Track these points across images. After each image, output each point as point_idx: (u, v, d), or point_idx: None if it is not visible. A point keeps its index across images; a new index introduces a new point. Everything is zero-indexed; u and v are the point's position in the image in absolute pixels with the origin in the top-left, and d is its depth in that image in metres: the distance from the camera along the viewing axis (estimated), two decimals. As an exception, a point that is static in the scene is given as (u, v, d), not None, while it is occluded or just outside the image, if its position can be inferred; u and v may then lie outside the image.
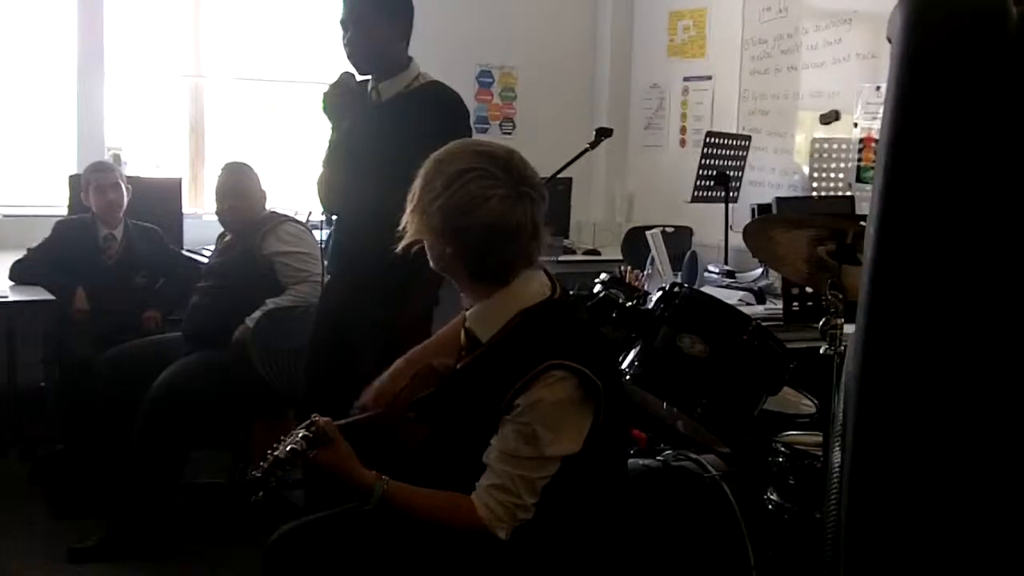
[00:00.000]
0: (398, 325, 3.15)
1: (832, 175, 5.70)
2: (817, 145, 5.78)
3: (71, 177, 5.35)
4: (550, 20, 7.02)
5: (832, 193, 5.64)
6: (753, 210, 5.02)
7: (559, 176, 4.17)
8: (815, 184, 5.79)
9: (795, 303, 4.03)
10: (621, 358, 2.99)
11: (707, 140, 5.60)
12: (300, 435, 2.20)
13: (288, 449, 2.17)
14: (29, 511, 4.33)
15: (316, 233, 4.51)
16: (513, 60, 6.95)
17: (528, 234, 2.18)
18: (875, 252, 1.41)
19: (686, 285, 3.29)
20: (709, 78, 6.57)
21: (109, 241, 4.78)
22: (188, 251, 5.41)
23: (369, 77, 3.37)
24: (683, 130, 6.77)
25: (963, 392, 1.37)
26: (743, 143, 5.79)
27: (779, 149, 6.06)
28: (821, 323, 2.88)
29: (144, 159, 6.14)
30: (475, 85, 6.81)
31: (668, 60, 6.84)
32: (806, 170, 5.86)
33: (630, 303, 3.04)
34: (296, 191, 5.85)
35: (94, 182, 4.75)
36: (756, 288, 4.54)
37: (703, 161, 5.53)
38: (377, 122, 3.31)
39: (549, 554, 2.19)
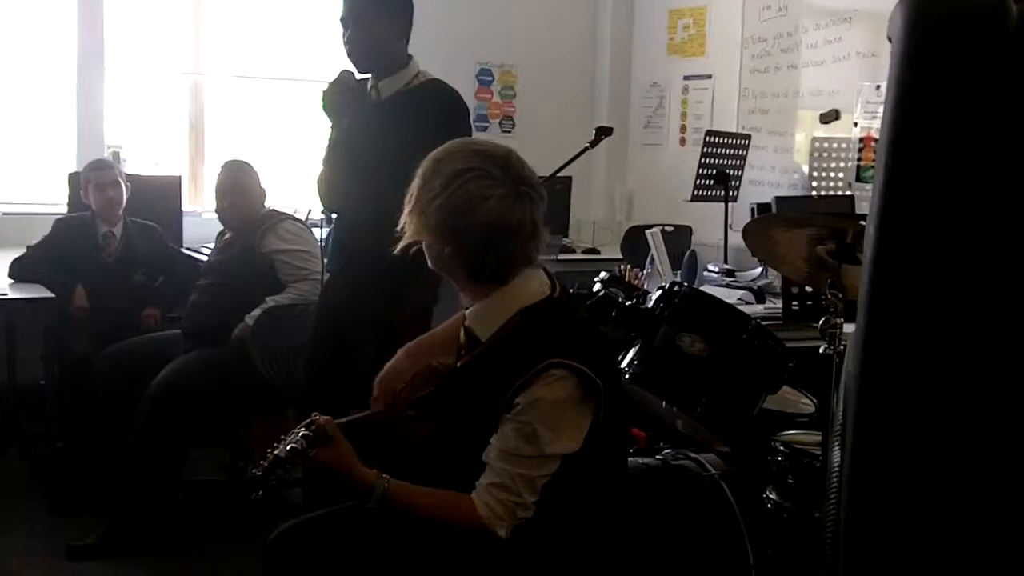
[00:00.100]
0: (398, 323, 3.15)
1: (832, 174, 5.70)
2: (817, 144, 5.78)
3: (71, 175, 5.34)
4: (550, 18, 7.02)
5: (832, 192, 5.64)
6: (753, 209, 5.02)
7: (559, 175, 4.17)
8: (815, 183, 5.78)
9: (795, 302, 4.03)
10: (621, 357, 2.99)
11: (707, 139, 5.60)
12: (300, 434, 2.20)
13: (288, 448, 2.17)
14: (29, 509, 4.33)
15: (316, 231, 4.51)
16: (513, 58, 6.95)
17: (527, 233, 2.18)
18: (875, 251, 1.41)
19: (686, 284, 3.29)
20: (709, 77, 6.56)
21: (108, 239, 4.78)
22: (187, 249, 5.41)
23: (369, 75, 3.37)
24: (683, 129, 6.77)
25: (963, 391, 1.37)
26: (743, 142, 5.79)
27: (779, 148, 6.06)
28: (820, 322, 2.89)
29: (144, 157, 6.13)
30: (475, 83, 6.80)
31: (668, 59, 6.84)
32: (806, 169, 5.86)
33: (630, 302, 3.04)
34: (296, 189, 5.84)
35: (94, 180, 4.75)
36: (756, 287, 4.54)
37: (703, 160, 5.52)
38: (377, 120, 3.31)
39: (549, 553, 2.19)
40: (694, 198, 5.57)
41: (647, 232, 4.26)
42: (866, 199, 4.91)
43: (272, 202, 4.56)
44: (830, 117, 5.71)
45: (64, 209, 5.28)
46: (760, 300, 4.43)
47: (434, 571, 2.21)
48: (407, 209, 2.21)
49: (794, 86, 5.94)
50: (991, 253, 1.35)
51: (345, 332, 3.36)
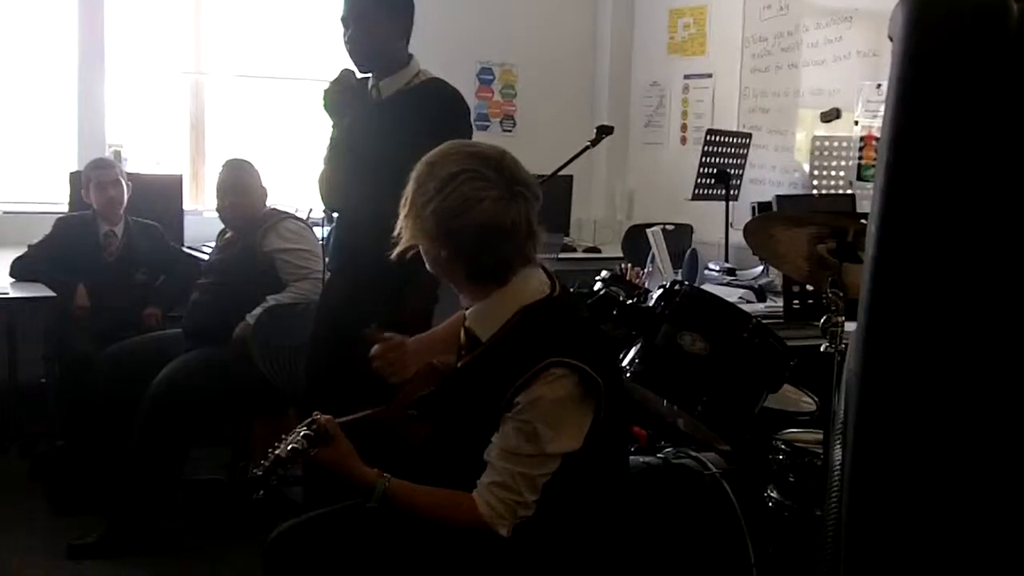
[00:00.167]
0: (398, 322, 3.15)
1: (833, 173, 5.70)
2: (818, 143, 5.78)
3: (72, 174, 5.35)
4: (551, 18, 7.02)
5: (833, 191, 5.64)
6: (753, 208, 5.01)
7: (560, 173, 4.16)
8: (816, 182, 5.78)
9: (795, 301, 4.03)
10: (622, 355, 2.99)
11: (707, 138, 5.60)
12: (302, 433, 2.20)
13: (290, 448, 2.17)
14: (29, 507, 4.33)
15: (317, 230, 4.51)
16: (514, 57, 6.95)
17: (523, 233, 2.18)
18: (876, 250, 1.41)
19: (687, 283, 3.29)
20: (710, 76, 6.56)
21: (110, 238, 4.79)
22: (188, 248, 5.41)
23: (370, 74, 3.37)
24: (684, 128, 6.77)
25: (964, 390, 1.37)
26: (744, 141, 5.79)
27: (780, 147, 6.06)
28: (822, 321, 2.88)
29: (145, 156, 6.13)
30: (476, 82, 6.80)
31: (668, 58, 6.84)
32: (807, 168, 5.86)
33: (631, 301, 3.04)
34: (297, 188, 5.84)
35: (95, 179, 4.75)
36: (756, 286, 4.54)
37: (703, 159, 5.52)
38: (378, 119, 3.31)
39: (550, 551, 2.19)
40: (695, 197, 5.57)
41: (648, 231, 4.26)
42: (867, 198, 4.91)
43: (273, 201, 4.56)
44: (831, 116, 5.71)
45: (65, 208, 5.28)
46: (761, 299, 4.43)
47: (435, 570, 2.22)
48: (402, 213, 2.22)
49: (795, 85, 5.94)
50: (992, 251, 1.35)
51: (346, 331, 3.36)
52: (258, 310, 4.16)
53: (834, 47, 5.66)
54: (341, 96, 3.32)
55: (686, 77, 6.73)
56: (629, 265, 3.98)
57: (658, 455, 3.08)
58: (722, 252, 5.44)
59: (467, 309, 2.32)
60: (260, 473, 2.17)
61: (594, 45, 7.19)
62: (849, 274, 2.87)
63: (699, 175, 5.53)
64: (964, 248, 1.36)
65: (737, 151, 5.71)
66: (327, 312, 3.51)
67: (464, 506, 2.14)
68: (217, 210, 4.44)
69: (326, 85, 3.35)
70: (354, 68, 3.35)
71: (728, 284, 4.61)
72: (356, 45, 3.29)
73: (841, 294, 2.87)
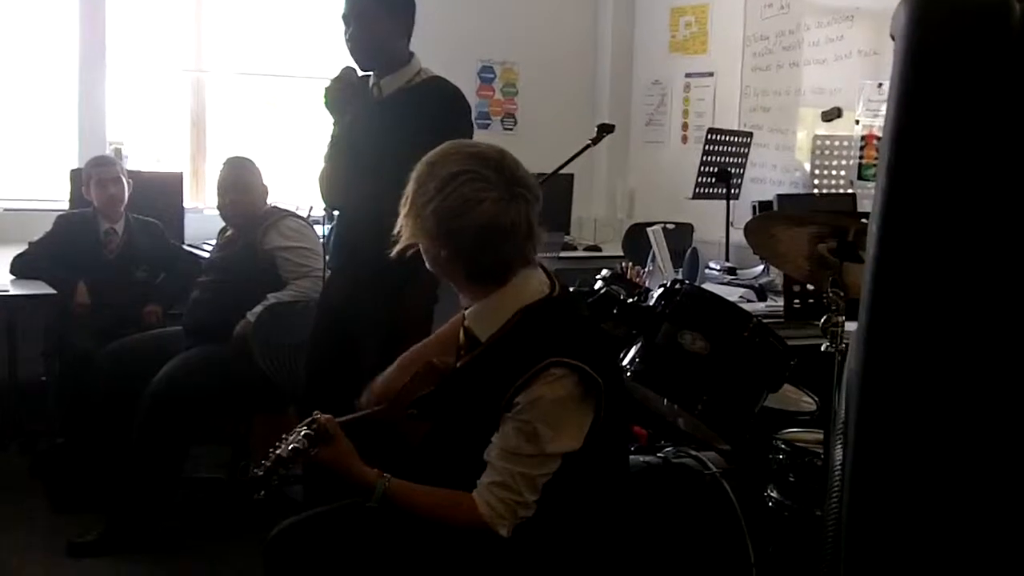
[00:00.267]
0: (399, 320, 3.15)
1: (834, 172, 5.70)
2: (819, 142, 5.78)
3: (72, 171, 5.35)
4: (552, 16, 7.02)
5: (833, 190, 5.64)
6: (754, 207, 5.01)
7: (560, 172, 4.16)
8: (816, 181, 5.78)
9: (796, 300, 4.03)
10: (622, 355, 2.99)
11: (708, 137, 5.60)
12: (302, 433, 2.20)
13: (290, 447, 2.17)
14: (29, 505, 4.33)
15: (318, 228, 4.51)
16: (515, 56, 6.95)
17: (523, 234, 2.18)
18: (878, 249, 1.41)
19: (687, 282, 3.29)
20: (711, 74, 6.56)
21: (110, 235, 4.79)
22: (189, 246, 5.41)
23: (371, 72, 3.37)
24: (684, 126, 6.77)
25: (965, 390, 1.37)
26: (744, 140, 5.79)
27: (780, 146, 6.06)
28: (822, 320, 2.89)
29: (145, 153, 6.13)
30: (477, 81, 6.80)
31: (670, 56, 6.83)
32: (807, 167, 5.86)
33: (631, 299, 3.04)
34: (297, 186, 5.84)
35: (95, 176, 4.75)
36: (757, 285, 4.54)
37: (704, 158, 5.52)
38: (379, 117, 3.31)
39: (550, 551, 2.19)
40: (695, 196, 5.57)
41: (648, 230, 4.26)
42: (868, 197, 4.91)
43: (274, 199, 4.56)
44: (832, 115, 5.70)
45: (66, 205, 5.29)
46: (761, 298, 4.43)
47: (435, 570, 2.21)
48: (403, 212, 2.22)
49: (796, 84, 5.94)
50: (994, 251, 1.35)
51: (346, 329, 3.36)
52: (258, 308, 4.16)
53: (835, 46, 5.66)
54: (342, 94, 3.32)
55: (687, 76, 6.72)
56: (630, 264, 3.99)
57: (658, 454, 3.08)
58: (723, 251, 5.44)
59: (466, 309, 2.32)
60: (261, 473, 2.17)
61: (595, 44, 7.18)
62: (850, 274, 2.87)
63: (700, 174, 5.53)
64: (966, 248, 1.36)
65: (738, 150, 5.71)
66: (328, 310, 3.51)
67: (464, 506, 2.14)
68: (218, 208, 4.44)
69: (327, 83, 3.35)
70: (355, 66, 3.35)
71: (728, 283, 4.61)
72: (357, 43, 3.29)
73: (842, 294, 2.87)
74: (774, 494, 3.15)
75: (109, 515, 4.00)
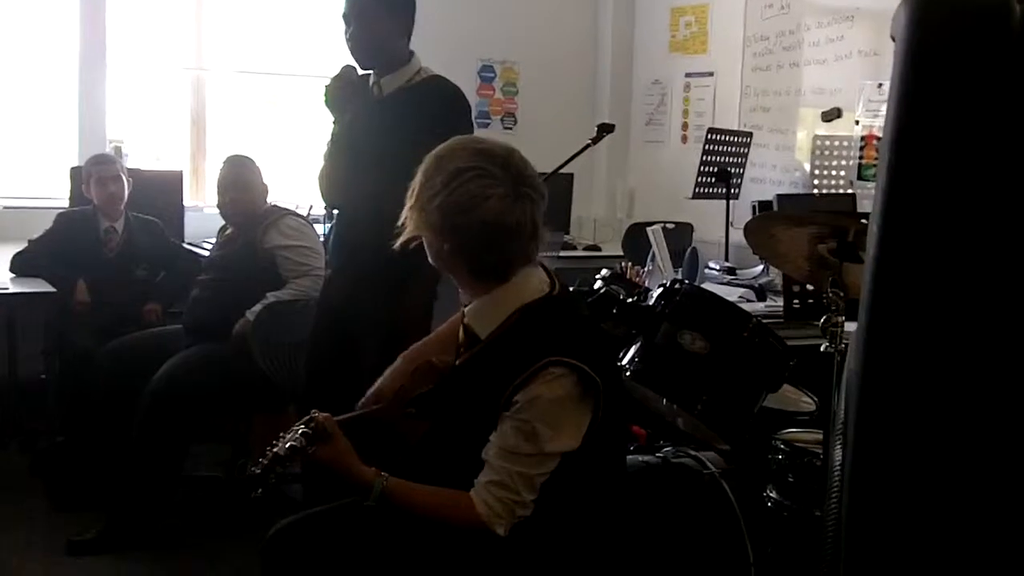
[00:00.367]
0: (399, 318, 3.15)
1: (833, 172, 5.70)
2: (819, 142, 5.78)
3: (72, 169, 5.35)
4: (552, 15, 7.02)
5: (833, 190, 5.64)
6: (754, 207, 5.01)
7: (560, 172, 4.16)
8: (816, 181, 5.79)
9: (796, 300, 4.03)
10: (621, 354, 2.99)
11: (708, 136, 5.60)
12: (299, 431, 2.20)
13: (288, 446, 2.17)
14: (29, 504, 4.33)
15: (318, 227, 4.51)
16: (515, 55, 6.95)
17: (527, 233, 2.18)
18: (878, 250, 1.41)
19: (687, 282, 3.29)
20: (711, 74, 6.56)
21: (110, 233, 4.79)
22: (189, 244, 5.41)
23: (371, 71, 3.37)
24: (684, 126, 6.77)
25: (965, 390, 1.37)
26: (744, 140, 5.79)
27: (780, 146, 6.06)
28: (822, 320, 2.89)
29: (145, 152, 6.13)
30: (477, 80, 6.81)
31: (670, 56, 6.84)
32: (807, 167, 5.86)
33: (631, 299, 3.04)
34: (298, 185, 5.84)
35: (95, 174, 4.75)
36: (756, 285, 4.54)
37: (704, 157, 5.52)
38: (379, 116, 3.31)
39: (548, 551, 2.19)
40: (695, 195, 5.57)
41: (648, 229, 4.26)
42: (867, 197, 4.92)
43: (274, 198, 4.55)
44: (832, 115, 5.70)
45: (66, 203, 5.29)
46: (761, 298, 4.43)
47: (433, 569, 2.21)
48: (408, 205, 2.22)
49: (796, 84, 5.94)
50: (994, 252, 1.35)
51: (346, 328, 3.36)
52: (258, 307, 4.16)
53: (835, 46, 5.66)
54: (342, 92, 3.32)
55: (687, 76, 6.73)
56: (629, 264, 3.99)
57: (657, 454, 3.08)
58: (722, 251, 5.44)
59: (466, 306, 2.32)
60: (258, 471, 2.17)
61: (595, 43, 7.19)
62: (849, 274, 2.87)
63: (700, 174, 5.53)
64: (966, 248, 1.36)
65: (738, 150, 5.71)
66: (328, 309, 3.51)
67: (462, 505, 2.14)
68: (218, 206, 4.44)
69: (327, 82, 3.35)
70: (355, 65, 3.35)
71: (728, 283, 4.61)
72: (357, 42, 3.29)
73: (841, 294, 2.87)
74: (773, 494, 3.15)
75: (109, 513, 4.00)
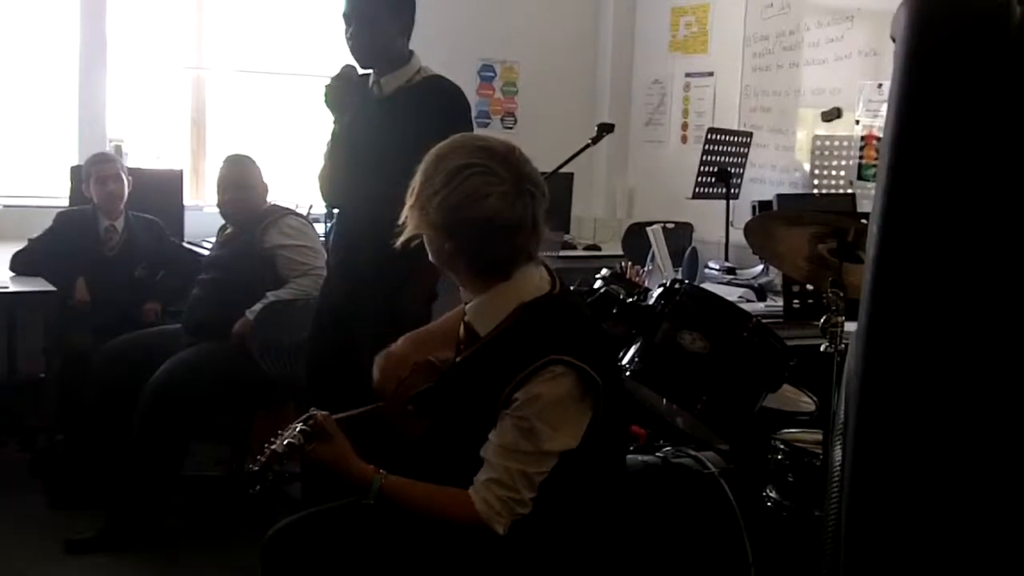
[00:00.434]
0: (399, 317, 3.15)
1: (833, 172, 5.70)
2: (818, 142, 5.78)
3: (72, 168, 5.35)
4: (552, 15, 7.01)
5: (833, 191, 5.64)
6: (754, 207, 5.01)
7: (560, 171, 4.16)
8: (816, 181, 5.78)
9: (795, 300, 4.03)
10: (621, 354, 2.99)
11: (708, 136, 5.60)
12: (298, 429, 2.20)
13: (286, 443, 2.17)
14: (28, 502, 4.33)
15: (318, 226, 4.51)
16: (515, 55, 6.95)
17: (528, 231, 2.18)
18: (878, 250, 1.41)
19: (687, 281, 3.29)
20: (711, 74, 6.56)
21: (110, 232, 4.79)
22: (189, 243, 5.41)
23: (371, 71, 3.38)
24: (684, 126, 6.77)
25: (966, 390, 1.37)
26: (744, 139, 5.79)
27: (780, 146, 6.06)
28: (821, 320, 2.89)
29: (145, 151, 6.12)
30: (477, 79, 6.80)
31: (670, 56, 6.83)
32: (807, 167, 5.85)
33: (630, 299, 3.04)
34: (298, 184, 5.84)
35: (95, 173, 4.75)
36: (756, 285, 4.54)
37: (704, 157, 5.52)
38: (379, 116, 3.31)
39: (547, 549, 2.19)
40: (695, 195, 5.57)
41: (648, 229, 4.26)
42: (867, 197, 4.92)
43: (274, 197, 4.55)
44: (832, 115, 5.70)
45: (66, 202, 5.28)
46: (761, 298, 4.44)
47: (431, 568, 2.21)
48: (408, 203, 2.22)
49: (796, 84, 5.94)
50: (994, 252, 1.35)
51: (346, 327, 3.36)
52: (258, 306, 4.16)
53: (835, 46, 5.66)
54: (342, 92, 3.32)
55: (687, 75, 6.72)
56: (629, 263, 3.98)
57: (657, 454, 3.08)
58: (722, 251, 5.44)
59: (467, 304, 2.32)
60: (257, 468, 2.17)
61: (595, 43, 7.18)
62: (849, 274, 2.87)
63: (700, 173, 5.53)
64: (966, 249, 1.36)
65: (738, 150, 5.71)
66: (328, 308, 3.51)
67: (461, 503, 2.14)
68: (218, 205, 4.44)
69: (327, 81, 3.35)
70: (355, 64, 3.35)
71: (728, 283, 4.61)
72: (358, 41, 3.30)
73: (841, 294, 2.87)
74: (773, 494, 3.15)
75: (108, 512, 4.00)
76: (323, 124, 3.51)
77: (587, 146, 4.11)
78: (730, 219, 5.46)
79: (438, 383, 2.39)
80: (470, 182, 2.13)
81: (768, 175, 6.08)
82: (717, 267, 4.90)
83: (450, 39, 6.10)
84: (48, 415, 4.74)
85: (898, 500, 1.41)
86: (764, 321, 3.15)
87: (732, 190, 5.60)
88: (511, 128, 6.95)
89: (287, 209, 4.49)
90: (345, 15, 3.30)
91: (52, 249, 4.70)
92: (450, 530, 2.16)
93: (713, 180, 5.55)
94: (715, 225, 5.66)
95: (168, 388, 3.97)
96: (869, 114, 5.45)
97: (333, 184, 3.44)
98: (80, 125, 5.87)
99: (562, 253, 5.85)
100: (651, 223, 4.51)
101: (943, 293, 1.37)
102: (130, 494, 3.97)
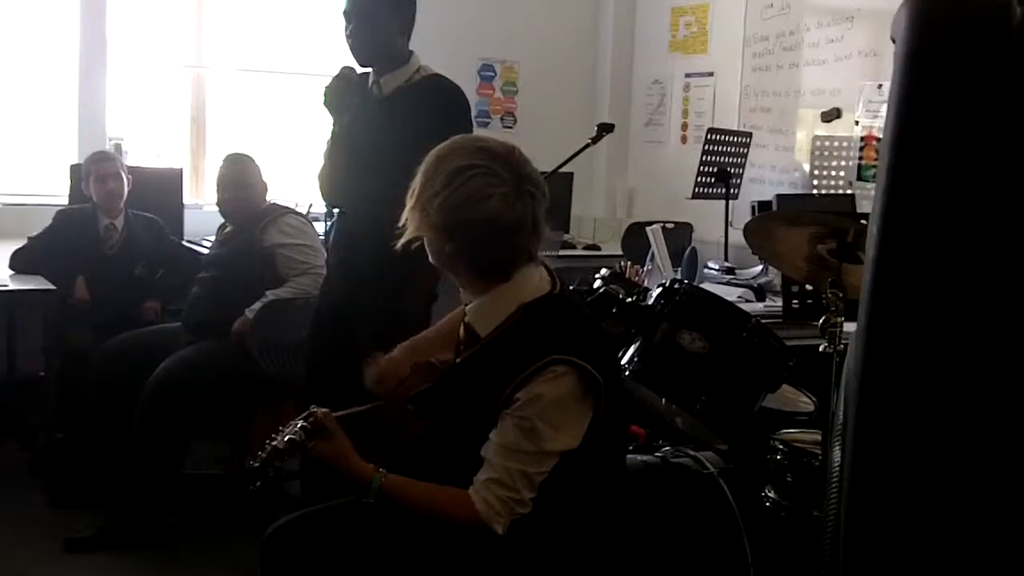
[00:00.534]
0: (398, 318, 3.15)
1: (833, 173, 5.70)
2: (818, 143, 5.78)
3: (72, 166, 5.35)
4: (552, 15, 7.01)
5: (833, 191, 5.64)
6: (753, 207, 5.01)
7: (560, 171, 4.16)
8: (816, 182, 5.78)
9: (795, 301, 4.03)
10: (621, 354, 2.99)
11: (708, 136, 5.60)
12: (299, 426, 2.20)
13: (286, 440, 2.17)
14: (28, 501, 4.33)
15: (317, 225, 4.51)
16: (515, 54, 6.95)
17: (528, 231, 2.18)
18: (878, 250, 1.41)
19: (686, 281, 3.29)
20: (711, 74, 6.56)
21: (109, 231, 4.79)
22: (188, 242, 5.41)
23: (371, 70, 3.38)
24: (684, 126, 6.77)
25: (965, 391, 1.37)
26: (744, 140, 5.79)
27: (780, 146, 6.06)
28: (821, 321, 2.89)
29: (145, 149, 6.12)
30: (477, 79, 6.80)
31: (670, 56, 6.83)
32: (807, 168, 5.86)
33: (630, 299, 3.04)
34: (297, 183, 5.84)
35: (95, 172, 4.75)
36: (756, 285, 4.54)
37: (704, 157, 5.52)
38: (378, 116, 3.31)
39: (546, 549, 2.19)
40: (695, 195, 5.57)
41: (648, 229, 4.26)
42: (867, 198, 4.92)
43: (274, 196, 4.56)
44: (831, 116, 5.70)
45: (65, 201, 5.28)
46: (760, 298, 4.43)
47: (431, 567, 2.22)
48: (409, 205, 2.21)
49: (796, 84, 5.94)
50: (994, 253, 1.35)
51: (346, 326, 3.36)
52: (257, 305, 4.16)
53: (835, 47, 5.66)
54: (342, 92, 3.32)
55: (687, 75, 6.72)
56: (629, 263, 3.98)
57: (656, 454, 3.08)
58: (722, 251, 5.44)
59: (467, 305, 2.32)
60: (257, 465, 2.17)
61: (595, 43, 7.18)
62: (849, 274, 2.87)
63: (699, 174, 5.53)
64: (966, 250, 1.36)
65: (737, 150, 5.71)
66: (327, 307, 3.51)
67: (460, 503, 2.14)
68: (217, 204, 4.44)
69: (327, 81, 3.35)
70: (355, 64, 3.35)
71: (727, 283, 4.61)
72: (358, 38, 3.30)
73: (840, 294, 2.87)
74: (772, 494, 3.15)
75: (108, 511, 4.01)
76: (323, 123, 3.51)
77: (587, 146, 4.11)
78: (730, 219, 5.46)
79: (438, 383, 2.39)
80: (471, 183, 2.13)
81: (768, 175, 6.09)
82: (716, 267, 4.90)
83: (450, 39, 6.10)
84: (48, 414, 4.74)
85: (897, 500, 1.41)
86: (763, 321, 3.15)
87: (732, 190, 5.60)
88: (511, 128, 6.95)
89: (287, 208, 4.49)
90: (345, 12, 3.30)
91: (52, 247, 4.70)
92: (449, 530, 2.16)
93: (713, 180, 5.56)
94: (715, 225, 5.66)
95: (168, 386, 3.97)
96: (869, 115, 5.45)
97: (333, 184, 3.44)
98: (80, 123, 5.87)
99: (562, 253, 5.86)
100: (651, 223, 4.51)
101: (943, 294, 1.37)
102: (130, 492, 3.97)
